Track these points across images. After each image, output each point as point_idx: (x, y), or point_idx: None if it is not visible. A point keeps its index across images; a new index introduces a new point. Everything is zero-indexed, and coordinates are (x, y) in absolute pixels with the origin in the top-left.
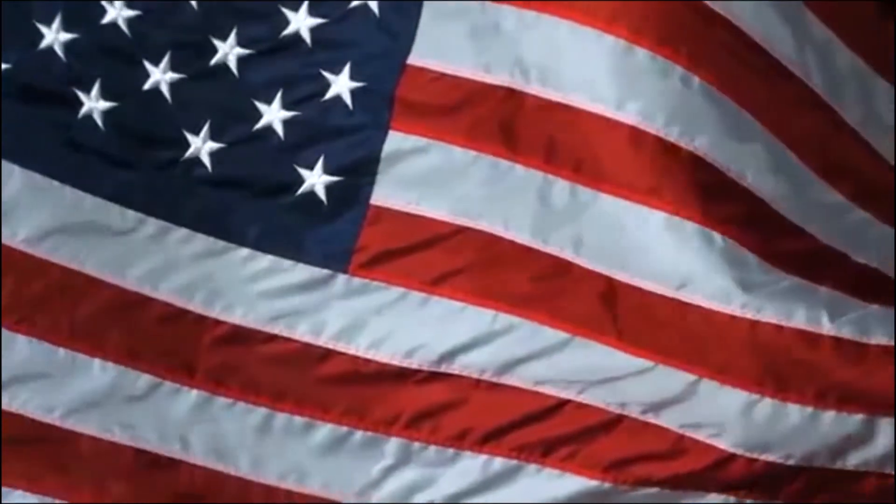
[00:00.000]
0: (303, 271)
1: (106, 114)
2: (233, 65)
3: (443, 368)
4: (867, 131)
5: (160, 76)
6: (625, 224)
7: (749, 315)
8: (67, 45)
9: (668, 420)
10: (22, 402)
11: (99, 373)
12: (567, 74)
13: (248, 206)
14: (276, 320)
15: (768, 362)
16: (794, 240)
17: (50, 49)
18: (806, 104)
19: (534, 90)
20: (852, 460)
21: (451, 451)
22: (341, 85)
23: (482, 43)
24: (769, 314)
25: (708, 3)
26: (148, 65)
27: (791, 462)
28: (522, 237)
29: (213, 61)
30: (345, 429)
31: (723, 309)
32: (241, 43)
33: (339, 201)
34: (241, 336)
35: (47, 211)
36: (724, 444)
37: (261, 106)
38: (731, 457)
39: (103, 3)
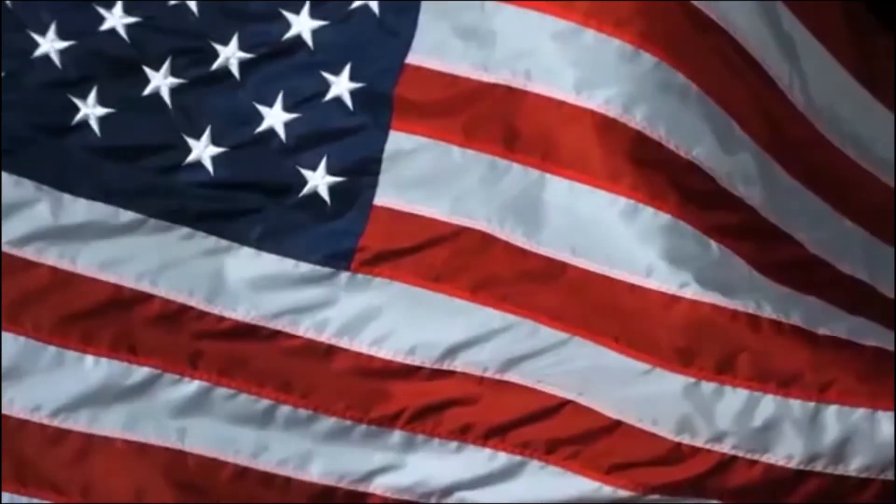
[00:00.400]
0: (306, 269)
1: (102, 120)
2: (235, 69)
3: (445, 366)
4: (854, 146)
5: (161, 81)
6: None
7: (750, 311)
8: (63, 53)
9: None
10: (8, 400)
11: (92, 368)
12: (568, 74)
13: (250, 207)
14: (279, 317)
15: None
16: (785, 248)
17: (45, 57)
18: (790, 115)
19: (533, 89)
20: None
21: (455, 443)
22: (341, 86)
23: (481, 42)
24: (769, 314)
25: (712, 16)
26: (148, 71)
27: (791, 465)
28: (517, 237)
29: (214, 66)
30: (349, 422)
31: (726, 305)
32: (243, 47)
33: (342, 201)
34: (245, 331)
35: (38, 215)
36: (724, 449)
37: (262, 109)
38: (733, 459)
39: (101, 10)
